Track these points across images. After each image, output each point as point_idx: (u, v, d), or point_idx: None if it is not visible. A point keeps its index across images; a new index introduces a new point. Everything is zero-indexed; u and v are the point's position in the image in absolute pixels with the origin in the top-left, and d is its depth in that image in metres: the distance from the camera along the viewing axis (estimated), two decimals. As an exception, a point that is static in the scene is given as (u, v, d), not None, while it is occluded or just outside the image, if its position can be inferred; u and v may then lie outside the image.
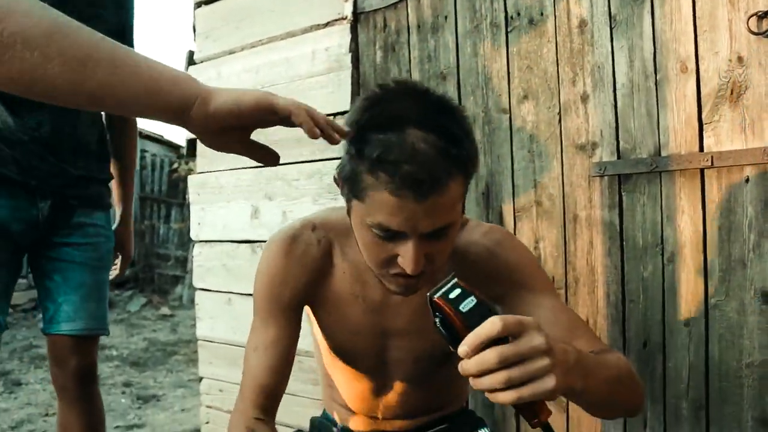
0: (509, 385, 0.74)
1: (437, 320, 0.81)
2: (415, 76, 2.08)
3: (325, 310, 1.23)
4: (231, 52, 2.62)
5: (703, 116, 1.58)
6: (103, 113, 1.94)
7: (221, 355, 2.65)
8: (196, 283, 2.76)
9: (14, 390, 4.84)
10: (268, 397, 1.14)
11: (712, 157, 1.55)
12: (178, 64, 2.11)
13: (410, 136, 0.90)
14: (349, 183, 0.98)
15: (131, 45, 1.98)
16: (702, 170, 1.58)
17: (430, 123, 0.91)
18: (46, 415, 4.23)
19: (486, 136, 1.93)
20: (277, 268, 1.19)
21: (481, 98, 1.94)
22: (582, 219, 1.77)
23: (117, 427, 3.98)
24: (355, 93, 2.19)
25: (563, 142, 1.80)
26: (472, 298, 0.80)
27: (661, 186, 1.65)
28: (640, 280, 1.69)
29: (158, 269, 9.44)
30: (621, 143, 1.71)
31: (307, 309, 1.27)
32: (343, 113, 2.21)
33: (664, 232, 1.65)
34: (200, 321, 2.75)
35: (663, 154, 1.64)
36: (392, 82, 1.00)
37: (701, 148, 1.59)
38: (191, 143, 2.79)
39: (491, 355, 0.74)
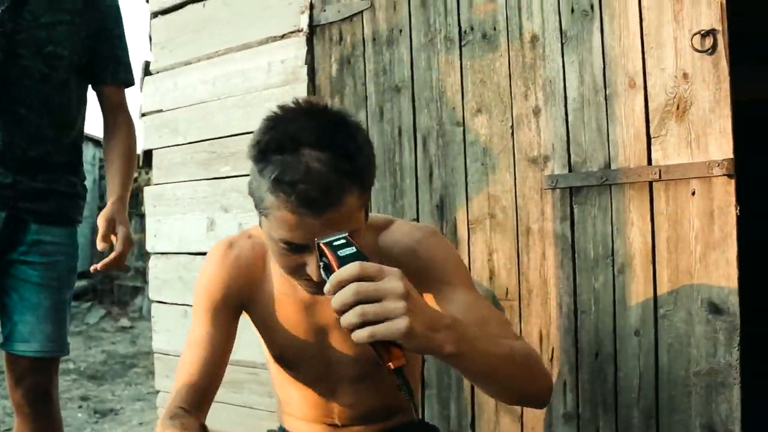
0: (364, 322, 0.80)
1: (322, 264, 0.91)
2: (371, 89, 2.08)
3: (261, 311, 1.29)
4: (187, 63, 2.60)
5: (651, 131, 1.62)
6: (77, 121, 1.88)
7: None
8: (153, 296, 2.73)
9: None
10: (197, 392, 1.16)
11: (659, 170, 1.59)
12: (134, 73, 2.02)
13: (305, 156, 0.96)
14: (255, 200, 1.04)
15: (115, 51, 1.92)
16: (650, 183, 1.62)
17: (324, 142, 0.98)
18: (7, 430, 4.12)
19: (440, 148, 1.95)
20: (213, 271, 1.27)
21: (435, 111, 1.96)
22: (535, 231, 1.79)
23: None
24: (311, 105, 2.18)
25: (516, 155, 1.82)
26: (353, 248, 0.88)
27: (611, 198, 1.68)
28: (591, 291, 1.71)
29: (117, 280, 9.29)
30: (572, 156, 1.73)
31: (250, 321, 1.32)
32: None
33: (615, 244, 1.68)
34: (156, 334, 2.71)
35: (613, 167, 1.67)
36: (293, 101, 1.05)
37: (649, 162, 1.62)
38: (147, 154, 2.75)
39: (349, 291, 0.80)
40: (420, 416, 0.85)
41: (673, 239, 1.60)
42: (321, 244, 0.90)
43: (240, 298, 1.27)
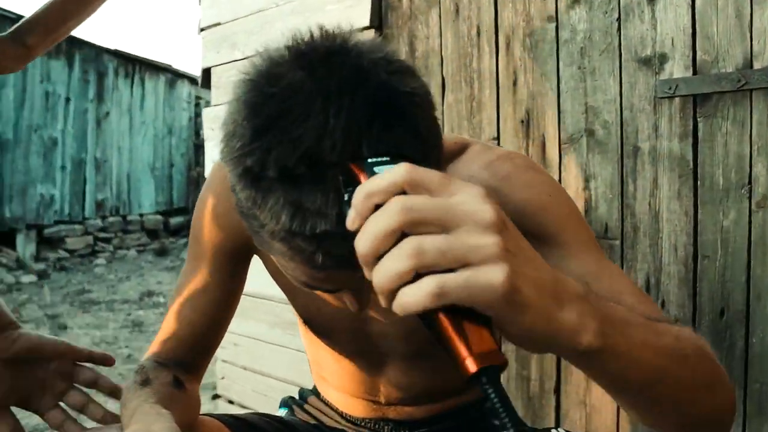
0: (422, 265, 0.44)
1: (347, 196, 0.51)
2: (445, -20, 1.73)
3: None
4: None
5: (814, 14, 1.20)
6: None
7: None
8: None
9: (59, 334, 4.85)
10: (186, 349, 0.95)
11: (823, 68, 1.17)
12: None
13: (336, 189, 0.57)
14: (246, 221, 0.65)
15: None
16: (809, 87, 1.21)
17: (365, 148, 0.57)
18: (84, 361, 4.19)
19: (527, 51, 1.59)
20: (216, 202, 0.94)
21: (521, 4, 1.61)
22: (645, 152, 1.43)
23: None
24: (375, 6, 1.86)
25: (622, 55, 1.45)
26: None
27: (751, 109, 1.29)
28: (718, 230, 1.34)
29: (213, 216, 9.43)
30: (699, 54, 1.35)
31: None
32: (361, 30, 1.89)
33: (754, 170, 1.29)
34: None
35: (756, 66, 1.27)
36: (288, 61, 0.61)
37: (809, 58, 1.21)
38: (206, 73, 2.54)
39: (390, 211, 0.45)
40: None
41: (839, 163, 1.19)
42: (350, 165, 0.54)
43: (250, 243, 0.95)
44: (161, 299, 6.14)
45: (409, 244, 0.44)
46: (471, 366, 0.44)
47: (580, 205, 1.51)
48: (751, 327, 1.30)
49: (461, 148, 0.87)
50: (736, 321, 1.32)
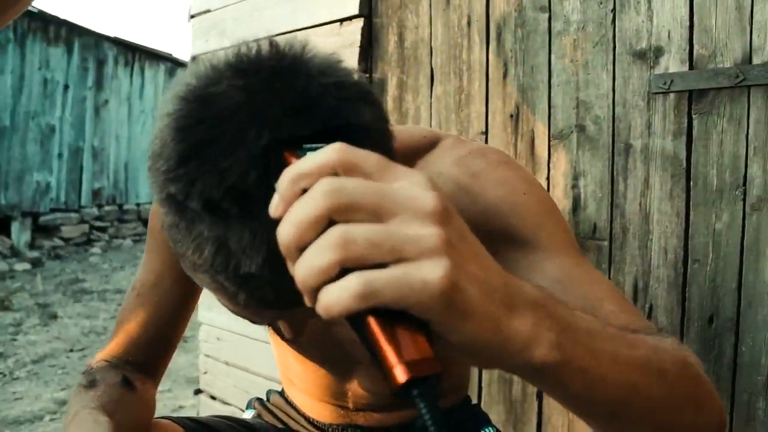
0: (348, 258, 0.38)
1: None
2: (436, -33, 1.66)
3: None
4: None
5: (817, 8, 1.13)
6: None
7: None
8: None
9: (48, 323, 4.82)
10: (139, 349, 0.91)
11: (825, 66, 1.11)
12: None
13: (264, 228, 0.51)
14: (173, 245, 0.58)
15: None
16: (809, 84, 1.14)
17: None
18: (71, 350, 4.16)
19: (518, 42, 1.52)
20: None
21: (514, -7, 1.52)
22: (637, 150, 1.36)
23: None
24: (365, -8, 1.80)
25: (617, 48, 1.38)
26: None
27: (749, 107, 1.22)
28: (710, 233, 1.27)
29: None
30: (696, 48, 1.28)
31: None
32: (350, 18, 1.83)
33: (749, 170, 1.22)
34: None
35: (755, 61, 1.20)
36: (228, 79, 0.55)
37: (810, 54, 1.14)
38: (194, 61, 2.47)
39: (317, 191, 0.39)
40: None
41: (838, 165, 1.13)
42: (285, 153, 0.49)
43: None
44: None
45: (334, 233, 0.38)
46: (400, 375, 0.38)
47: (569, 203, 1.45)
48: (740, 335, 1.24)
49: (431, 143, 0.81)
50: (725, 329, 1.25)
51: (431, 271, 0.38)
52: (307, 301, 0.40)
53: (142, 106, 9.51)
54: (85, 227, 8.49)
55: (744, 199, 1.23)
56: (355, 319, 0.40)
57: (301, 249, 0.40)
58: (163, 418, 0.91)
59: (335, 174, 0.40)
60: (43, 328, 4.68)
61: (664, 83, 1.30)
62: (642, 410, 0.54)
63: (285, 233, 0.40)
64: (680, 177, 1.30)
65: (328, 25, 1.90)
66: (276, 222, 0.42)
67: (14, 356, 3.95)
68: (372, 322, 0.39)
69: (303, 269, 0.39)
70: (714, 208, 1.27)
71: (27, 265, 6.97)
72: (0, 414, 2.96)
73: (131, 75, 9.31)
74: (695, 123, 1.28)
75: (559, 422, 1.47)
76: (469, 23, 1.61)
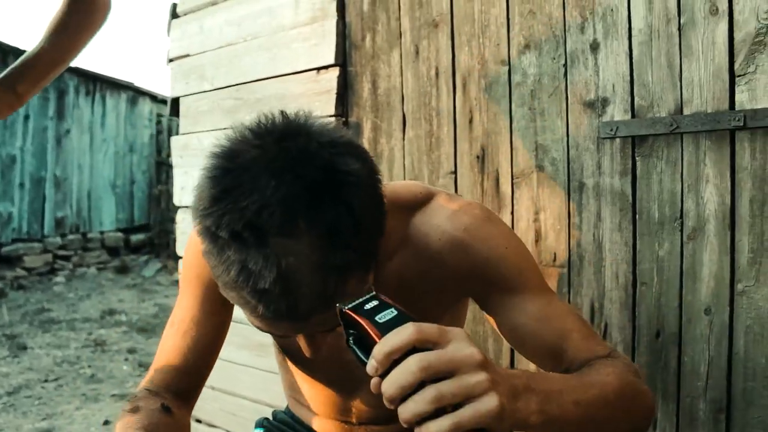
0: (440, 405, 0.59)
1: (350, 338, 0.65)
2: (405, 24, 1.83)
3: None
4: (213, 3, 2.40)
5: (736, 67, 1.33)
6: None
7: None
8: (180, 252, 2.58)
9: (18, 354, 4.80)
10: (178, 377, 1.02)
11: (744, 116, 1.30)
12: (162, 18, 1.78)
13: (275, 253, 0.69)
14: (210, 268, 0.76)
15: None
16: (732, 131, 1.33)
17: (303, 224, 0.70)
18: (45, 380, 4.17)
19: (482, 91, 1.69)
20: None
21: (477, 48, 1.70)
22: (589, 187, 1.53)
23: (113, 395, 3.87)
24: (340, 45, 1.96)
25: (569, 98, 1.55)
26: (392, 309, 0.64)
27: (682, 150, 1.40)
28: (654, 259, 1.45)
29: (173, 234, 9.35)
30: (636, 99, 1.46)
31: None
32: (326, 67, 1.99)
33: (685, 205, 1.40)
34: (183, 293, 2.57)
35: (686, 112, 1.39)
36: (252, 126, 0.76)
37: (732, 106, 1.33)
38: (174, 102, 2.58)
39: (410, 367, 0.59)
40: None
41: (759, 200, 1.31)
42: (346, 311, 0.66)
43: None
44: (123, 317, 6.08)
45: (430, 392, 0.59)
46: None
47: (531, 235, 1.62)
48: (683, 347, 1.41)
49: (427, 198, 0.98)
50: (670, 342, 1.43)
51: (491, 403, 0.59)
52: (405, 425, 0.62)
53: (104, 135, 9.43)
54: (49, 257, 8.37)
55: (681, 230, 1.41)
56: None
57: (402, 401, 0.60)
58: None
59: (414, 347, 0.60)
60: (13, 360, 4.67)
61: (611, 130, 1.48)
62: (592, 430, 0.77)
63: (392, 391, 0.60)
64: (627, 211, 1.48)
65: (306, 73, 2.05)
66: (287, 248, 0.68)
67: (-12, 389, 3.96)
68: None
69: (409, 413, 0.60)
70: (657, 238, 1.45)
71: (-10, 297, 6.89)
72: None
73: (92, 104, 9.24)
74: (638, 164, 1.47)
75: None
76: (437, 74, 1.78)
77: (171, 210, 9.58)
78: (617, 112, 1.48)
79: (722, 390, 1.37)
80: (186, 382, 1.03)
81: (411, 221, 0.96)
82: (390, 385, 0.60)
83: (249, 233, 0.69)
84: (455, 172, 1.74)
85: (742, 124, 1.31)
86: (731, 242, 1.35)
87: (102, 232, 9.39)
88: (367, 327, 0.63)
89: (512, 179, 1.65)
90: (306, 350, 0.85)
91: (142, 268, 8.94)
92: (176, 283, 8.10)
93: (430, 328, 0.61)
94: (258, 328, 0.80)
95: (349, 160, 0.74)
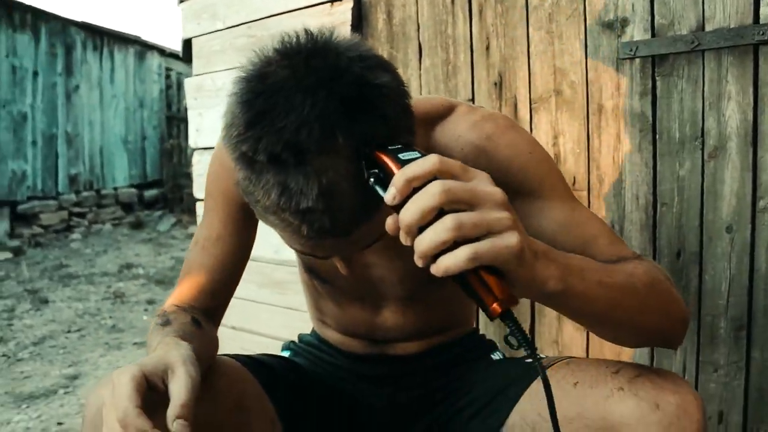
0: (459, 235, 0.58)
1: (372, 178, 0.66)
2: (420, -50, 1.80)
3: None
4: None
5: (760, -21, 1.30)
6: None
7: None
8: (197, 194, 2.59)
9: (41, 308, 4.87)
10: (204, 295, 1.02)
11: (768, 29, 1.28)
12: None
13: (314, 169, 0.68)
14: (246, 197, 0.76)
15: None
16: (756, 46, 1.32)
17: (341, 138, 0.68)
18: (68, 331, 4.24)
19: (498, 16, 1.67)
20: (226, 160, 1.01)
21: (493, -28, 1.67)
22: (608, 110, 1.52)
23: (135, 343, 3.94)
24: (353, -25, 1.93)
25: (587, 19, 1.53)
26: (417, 152, 0.65)
27: (703, 68, 1.38)
28: (675, 179, 1.45)
29: (187, 189, 9.38)
30: (656, 18, 1.43)
31: None
32: (340, -1, 1.96)
33: (706, 123, 1.39)
34: (201, 235, 2.59)
35: (708, 28, 1.37)
36: (280, 47, 0.74)
37: (756, 20, 1.31)
38: (186, 44, 2.56)
39: (433, 191, 0.59)
40: (538, 359, 0.62)
41: (781, 115, 1.30)
42: (370, 152, 0.67)
43: None
44: (140, 271, 6.15)
45: (451, 220, 0.58)
46: (497, 309, 0.60)
47: (550, 160, 1.62)
48: (703, 266, 1.42)
49: (448, 110, 0.97)
50: (690, 261, 1.44)
51: (512, 240, 0.59)
52: (420, 263, 0.60)
53: (113, 91, 9.41)
54: (64, 214, 8.44)
55: (702, 149, 1.40)
56: (459, 276, 0.60)
57: (420, 229, 0.59)
58: (223, 355, 1.06)
59: (436, 177, 0.60)
60: (36, 313, 4.74)
61: (630, 50, 1.46)
62: (621, 318, 0.77)
63: (410, 217, 0.59)
64: (647, 132, 1.47)
65: (320, 6, 2.02)
66: (327, 164, 0.67)
67: (14, 340, 4.03)
68: (473, 275, 0.60)
69: (426, 243, 0.59)
70: (677, 158, 1.44)
71: (8, 254, 6.97)
72: (14, 391, 3.07)
73: (101, 59, 9.19)
74: (658, 84, 1.45)
75: (550, 353, 1.66)
76: (452, 1, 1.75)
77: (183, 165, 9.63)
78: (637, 32, 1.46)
79: (743, 308, 1.38)
80: (212, 299, 1.04)
81: (433, 133, 0.95)
82: (409, 212, 0.59)
83: (288, 153, 0.68)
84: (473, 100, 1.73)
85: (766, 38, 1.29)
86: (753, 159, 1.34)
87: (116, 189, 9.44)
88: (389, 162, 0.64)
89: (530, 104, 1.64)
90: (343, 269, 0.86)
91: (156, 223, 9.01)
92: (190, 237, 8.17)
93: (453, 162, 0.61)
94: (299, 251, 0.81)
95: (379, 73, 0.73)
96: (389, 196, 0.61)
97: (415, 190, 0.60)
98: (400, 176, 0.60)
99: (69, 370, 3.40)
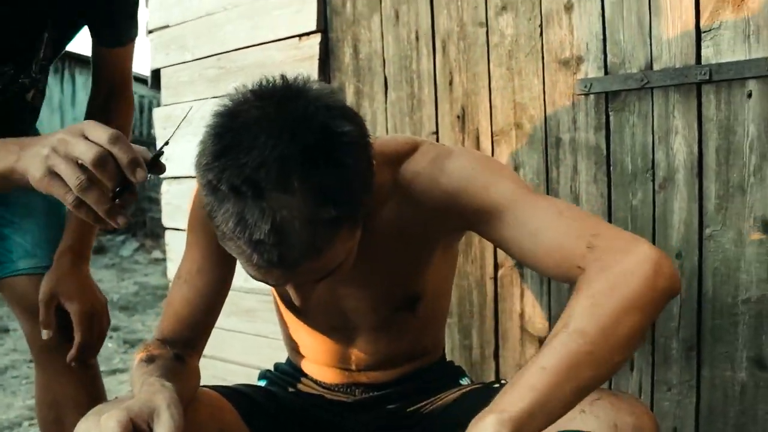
0: None
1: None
2: (385, -12, 1.88)
3: None
4: (192, -29, 2.41)
5: (702, 23, 1.40)
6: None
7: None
8: (166, 222, 2.62)
9: (2, 337, 4.78)
10: (186, 327, 1.07)
11: (710, 69, 1.38)
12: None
13: (271, 206, 0.75)
14: (210, 220, 0.82)
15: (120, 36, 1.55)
16: (699, 85, 1.41)
17: (297, 181, 0.75)
18: (31, 361, 4.14)
19: (461, 53, 1.75)
20: None
21: (455, 11, 1.75)
22: (566, 142, 1.60)
23: (101, 371, 3.90)
24: (321, 11, 1.99)
25: (545, 57, 1.61)
26: None
27: (652, 104, 1.47)
28: (628, 208, 1.53)
29: (150, 213, 9.30)
30: (609, 57, 1.53)
31: None
32: (308, 34, 2.03)
33: (656, 156, 1.48)
34: (170, 262, 2.61)
35: (656, 67, 1.46)
36: (251, 90, 0.82)
37: (698, 60, 1.41)
38: (155, 74, 2.60)
39: None
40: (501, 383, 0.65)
41: (724, 149, 1.40)
42: None
43: None
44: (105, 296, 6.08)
45: None
46: None
47: (511, 190, 1.69)
48: (656, 290, 1.51)
49: (412, 148, 1.03)
50: (644, 286, 1.52)
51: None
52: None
53: (74, 114, 9.32)
54: (25, 238, 8.30)
55: (653, 180, 1.49)
56: None
57: None
58: (204, 386, 1.10)
59: None
60: (-4, 342, 4.67)
61: (585, 86, 1.55)
62: (593, 387, 0.76)
63: None
64: (602, 164, 1.56)
65: (288, 40, 2.08)
66: (282, 202, 0.74)
67: (-26, 370, 3.97)
68: None
69: None
70: (630, 188, 1.52)
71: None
72: None
73: (62, 82, 9.13)
74: (612, 118, 1.54)
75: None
76: (417, 37, 1.83)
77: (146, 189, 9.52)
78: (591, 70, 1.55)
79: (693, 329, 1.46)
80: (194, 330, 1.08)
81: (400, 170, 1.02)
82: None
83: (247, 187, 0.75)
84: (437, 132, 1.79)
85: (707, 77, 1.38)
86: (699, 190, 1.43)
87: (77, 213, 9.27)
88: None
89: (492, 137, 1.71)
90: (296, 299, 0.91)
91: (119, 247, 8.90)
92: (154, 261, 8.09)
93: None
94: (253, 276, 0.86)
95: (343, 123, 0.80)
96: None
97: None
98: None
99: (32, 401, 3.35)
